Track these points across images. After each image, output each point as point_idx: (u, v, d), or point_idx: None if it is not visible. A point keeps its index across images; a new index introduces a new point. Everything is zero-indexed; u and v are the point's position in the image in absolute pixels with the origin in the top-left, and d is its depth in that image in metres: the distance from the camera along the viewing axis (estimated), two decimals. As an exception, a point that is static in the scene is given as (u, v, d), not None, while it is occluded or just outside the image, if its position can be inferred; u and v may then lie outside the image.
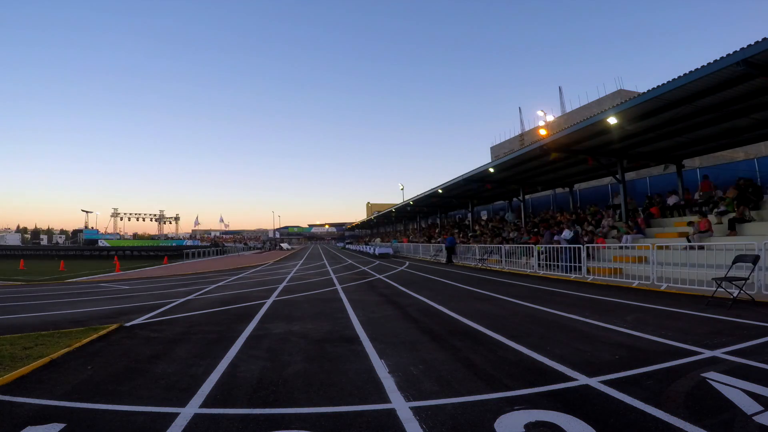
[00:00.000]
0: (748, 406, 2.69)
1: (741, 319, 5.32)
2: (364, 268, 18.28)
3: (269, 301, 8.35)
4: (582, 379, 3.32)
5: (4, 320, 6.71)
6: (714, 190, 12.58)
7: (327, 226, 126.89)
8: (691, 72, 8.20)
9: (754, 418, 2.54)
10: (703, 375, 3.29)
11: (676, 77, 8.56)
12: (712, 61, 7.75)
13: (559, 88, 71.83)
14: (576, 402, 2.89)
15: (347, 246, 55.91)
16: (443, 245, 21.73)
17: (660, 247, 9.15)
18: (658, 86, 9.04)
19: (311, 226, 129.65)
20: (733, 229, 10.00)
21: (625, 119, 10.79)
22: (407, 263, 20.50)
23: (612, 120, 10.62)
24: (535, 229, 17.39)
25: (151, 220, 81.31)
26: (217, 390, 3.30)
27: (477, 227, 26.18)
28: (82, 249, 46.90)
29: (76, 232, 75.04)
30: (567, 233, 13.71)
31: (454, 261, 20.15)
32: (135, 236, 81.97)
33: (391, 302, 7.97)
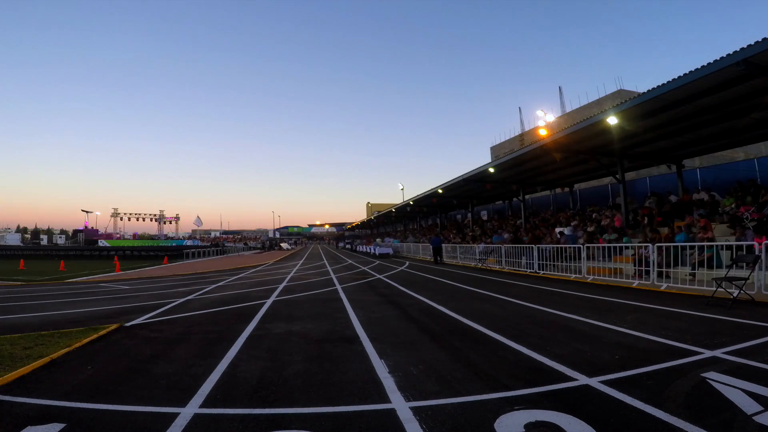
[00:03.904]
0: (748, 406, 2.69)
1: (741, 319, 5.31)
2: (364, 268, 18.27)
3: (269, 301, 8.35)
4: (582, 379, 3.32)
5: (4, 320, 6.71)
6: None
7: (327, 226, 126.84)
8: (691, 72, 8.19)
9: (754, 418, 2.54)
10: (703, 375, 3.29)
11: (677, 77, 8.55)
12: (712, 61, 7.74)
13: (559, 88, 71.85)
14: (576, 402, 2.89)
15: (347, 246, 55.90)
16: (430, 245, 21.99)
17: (660, 247, 9.15)
18: (659, 86, 9.03)
19: (311, 226, 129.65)
20: (734, 228, 9.99)
21: (626, 119, 10.78)
22: (407, 263, 20.49)
23: (612, 120, 10.61)
24: (536, 230, 17.38)
25: (151, 220, 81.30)
26: (217, 390, 3.30)
27: (477, 227, 26.18)
28: (82, 249, 46.90)
29: (76, 232, 75.05)
30: (567, 229, 13.76)
31: (440, 260, 20.55)
32: (135, 236, 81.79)
33: (391, 302, 7.97)
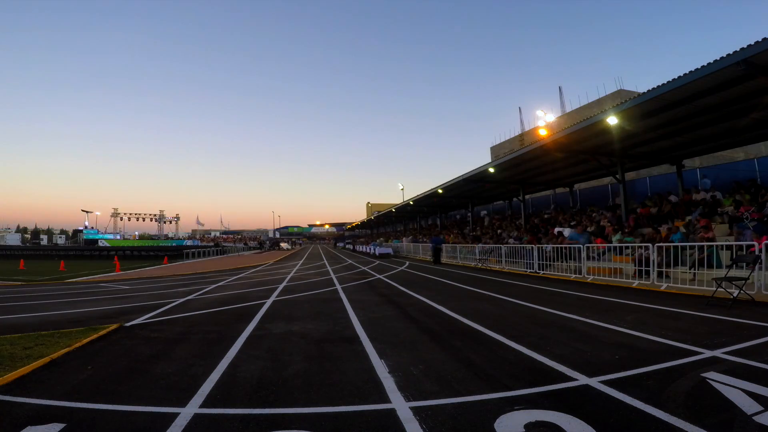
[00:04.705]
0: (748, 406, 2.69)
1: (741, 319, 5.31)
2: (364, 268, 18.27)
3: (269, 301, 8.35)
4: (582, 379, 3.31)
5: (4, 320, 6.71)
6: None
7: (327, 226, 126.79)
8: (691, 72, 8.19)
9: (754, 418, 2.53)
10: (703, 375, 3.28)
11: (677, 77, 8.56)
12: (712, 61, 7.74)
13: (559, 88, 71.85)
14: (576, 402, 2.88)
15: (347, 246, 55.94)
16: (430, 245, 21.87)
17: (660, 247, 9.15)
18: (659, 86, 9.04)
19: (311, 226, 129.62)
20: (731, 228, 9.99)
21: (626, 119, 10.78)
22: (407, 263, 20.49)
23: (612, 120, 10.61)
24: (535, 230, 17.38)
25: (151, 220, 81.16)
26: (217, 390, 3.30)
27: (478, 228, 26.17)
28: (82, 249, 46.92)
29: (76, 232, 75.03)
30: (568, 231, 13.76)
31: (439, 260, 20.64)
32: (135, 236, 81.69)
33: (390, 302, 7.97)
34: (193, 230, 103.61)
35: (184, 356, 4.34)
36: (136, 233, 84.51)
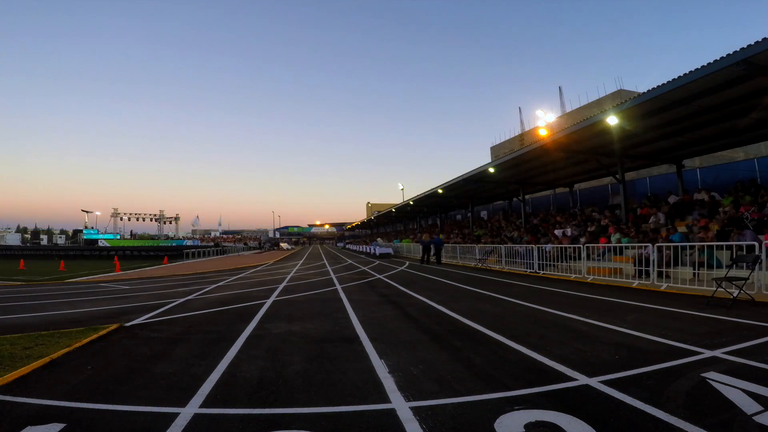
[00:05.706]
0: (748, 406, 2.69)
1: (741, 319, 5.31)
2: (364, 268, 18.27)
3: (269, 301, 8.35)
4: (582, 379, 3.31)
5: (4, 320, 6.71)
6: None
7: (327, 226, 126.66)
8: (691, 72, 8.20)
9: (754, 418, 2.54)
10: (703, 375, 3.29)
11: (677, 77, 8.56)
12: (712, 61, 7.74)
13: (559, 88, 71.91)
14: (576, 402, 2.88)
15: (347, 246, 55.98)
16: (431, 245, 21.49)
17: (660, 247, 9.15)
18: (659, 86, 9.04)
19: (311, 226, 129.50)
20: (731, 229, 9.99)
21: (626, 119, 10.79)
22: (407, 263, 20.49)
23: (612, 120, 10.61)
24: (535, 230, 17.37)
25: (151, 220, 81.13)
26: (217, 390, 3.30)
27: (477, 228, 26.16)
28: (82, 249, 46.93)
29: (76, 232, 75.03)
30: (569, 231, 13.78)
31: (436, 260, 20.63)
32: (133, 235, 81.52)
33: (391, 302, 7.97)
34: (193, 230, 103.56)
35: (184, 356, 4.34)
36: (134, 233, 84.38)
